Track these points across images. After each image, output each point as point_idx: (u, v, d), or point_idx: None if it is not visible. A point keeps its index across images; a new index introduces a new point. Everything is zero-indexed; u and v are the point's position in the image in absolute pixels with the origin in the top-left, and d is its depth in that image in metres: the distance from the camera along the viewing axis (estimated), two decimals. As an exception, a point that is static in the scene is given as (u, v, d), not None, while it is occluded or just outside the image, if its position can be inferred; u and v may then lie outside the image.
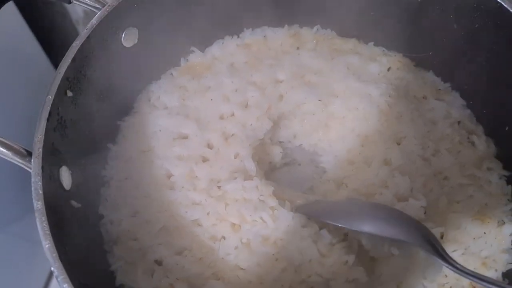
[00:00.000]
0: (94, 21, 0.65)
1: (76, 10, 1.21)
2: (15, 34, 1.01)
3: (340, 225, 0.66)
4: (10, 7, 0.98)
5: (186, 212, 0.70)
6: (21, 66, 1.01)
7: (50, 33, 1.29)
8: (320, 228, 0.67)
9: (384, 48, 0.89)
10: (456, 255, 0.67)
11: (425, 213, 0.70)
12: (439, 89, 0.84)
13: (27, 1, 1.13)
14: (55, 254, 0.49)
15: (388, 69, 0.85)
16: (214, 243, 0.68)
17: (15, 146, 0.55)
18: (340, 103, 0.80)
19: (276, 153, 0.82)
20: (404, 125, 0.78)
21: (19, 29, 1.03)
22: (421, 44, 0.84)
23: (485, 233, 0.69)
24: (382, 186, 0.73)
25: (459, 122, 0.80)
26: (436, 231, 0.66)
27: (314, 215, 0.69)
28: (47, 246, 0.50)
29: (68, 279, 0.48)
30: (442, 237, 0.68)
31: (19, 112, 0.94)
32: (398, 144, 0.77)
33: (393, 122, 0.78)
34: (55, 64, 1.14)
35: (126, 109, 0.81)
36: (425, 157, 0.76)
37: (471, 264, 0.67)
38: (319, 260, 0.65)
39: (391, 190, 0.71)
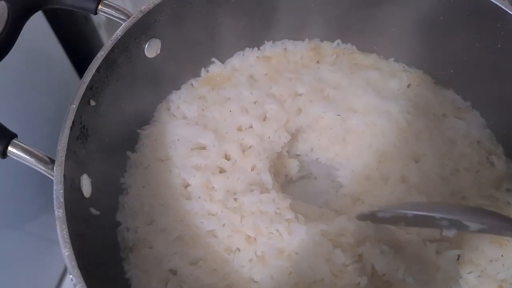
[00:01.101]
0: (119, 32, 0.66)
1: (99, 15, 1.23)
2: (38, 35, 1.03)
3: (423, 213, 0.61)
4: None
5: (202, 222, 0.71)
6: (44, 68, 1.02)
7: (72, 36, 1.31)
8: (334, 247, 0.67)
9: (404, 65, 0.88)
10: (471, 277, 0.67)
11: (441, 233, 0.69)
12: (459, 108, 0.84)
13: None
14: (74, 262, 0.50)
15: (408, 86, 0.85)
16: (229, 254, 0.69)
17: (38, 153, 0.56)
18: (358, 119, 0.80)
19: (293, 166, 0.82)
20: (423, 143, 0.78)
21: (42, 31, 1.04)
22: (442, 62, 0.84)
23: (502, 255, 0.68)
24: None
25: (478, 142, 0.79)
26: (452, 253, 0.66)
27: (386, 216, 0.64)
28: (66, 253, 0.50)
29: (85, 287, 0.49)
30: (458, 258, 0.68)
31: (40, 117, 0.96)
32: (416, 162, 0.77)
33: (412, 139, 0.78)
34: (76, 65, 1.16)
35: (146, 118, 0.82)
36: (443, 176, 0.75)
37: (487, 287, 0.66)
38: (331, 279, 0.65)
39: (408, 209, 0.71)
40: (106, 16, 0.67)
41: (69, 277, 1.07)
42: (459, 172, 0.76)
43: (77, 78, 1.14)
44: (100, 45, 1.22)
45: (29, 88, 0.93)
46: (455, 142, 0.79)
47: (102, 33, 1.24)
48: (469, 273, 0.67)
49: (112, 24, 1.19)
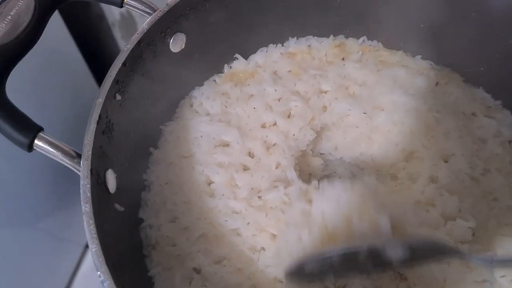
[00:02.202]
0: (145, 25, 0.65)
1: (113, 13, 1.22)
2: (54, 34, 1.02)
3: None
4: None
5: (226, 220, 0.69)
6: (58, 67, 1.02)
7: (86, 35, 1.31)
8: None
9: (432, 62, 0.86)
10: (505, 281, 0.64)
11: (473, 234, 0.67)
12: (489, 106, 0.81)
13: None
14: (102, 258, 0.49)
15: (436, 84, 0.83)
16: (254, 254, 0.67)
17: (64, 147, 0.55)
18: (385, 117, 0.78)
19: (317, 164, 0.80)
20: (452, 142, 0.76)
21: (57, 29, 1.04)
22: (471, 59, 0.82)
23: (537, 260, 0.66)
24: (429, 204, 0.70)
25: (510, 142, 0.77)
26: (486, 255, 0.63)
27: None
28: (94, 250, 0.49)
29: (113, 285, 0.48)
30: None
31: (55, 113, 0.95)
32: (446, 161, 0.74)
33: (440, 138, 0.76)
34: (90, 64, 1.15)
35: (169, 114, 0.81)
36: (473, 176, 0.73)
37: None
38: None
39: (438, 209, 0.69)
40: (132, 10, 0.66)
41: (79, 276, 1.08)
42: (490, 172, 0.74)
43: (91, 77, 1.13)
44: (114, 44, 1.22)
45: (44, 85, 0.92)
46: (486, 141, 0.77)
47: (116, 32, 1.23)
48: (502, 276, 0.65)
49: (126, 24, 1.19)
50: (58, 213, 0.98)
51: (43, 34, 0.89)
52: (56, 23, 1.04)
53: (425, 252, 0.56)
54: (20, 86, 0.84)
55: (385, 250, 0.52)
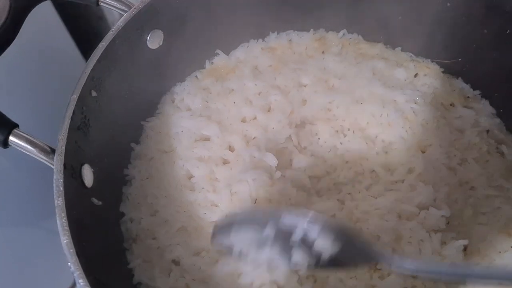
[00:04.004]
0: (120, 22, 0.66)
1: (112, 13, 1.23)
2: (53, 34, 1.04)
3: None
4: (49, 8, 1.01)
5: (205, 213, 0.70)
6: (56, 65, 1.04)
7: (86, 34, 1.33)
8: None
9: (411, 54, 0.87)
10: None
11: (448, 223, 0.68)
12: (468, 97, 0.82)
13: (65, 4, 1.16)
14: (72, 250, 0.50)
15: (415, 75, 0.84)
16: (232, 245, 0.68)
17: (39, 143, 0.57)
18: (364, 109, 0.79)
19: (298, 157, 0.81)
20: (430, 132, 0.76)
21: (57, 30, 1.06)
22: (449, 50, 0.82)
23: (511, 246, 0.66)
24: (406, 195, 0.71)
25: (487, 131, 0.78)
26: (459, 243, 0.64)
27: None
28: (65, 241, 0.51)
29: (83, 275, 0.49)
30: (465, 249, 0.66)
31: (48, 110, 0.97)
32: (423, 152, 0.75)
33: (418, 129, 0.77)
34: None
35: (150, 110, 0.82)
36: (450, 166, 0.74)
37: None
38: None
39: (413, 199, 0.70)
40: (106, 7, 0.68)
41: None
42: (467, 162, 0.74)
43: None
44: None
45: (38, 81, 0.94)
46: (463, 131, 0.77)
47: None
48: (477, 264, 0.65)
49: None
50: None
51: (43, 34, 0.91)
52: (55, 24, 1.06)
53: (351, 253, 0.52)
54: (23, 85, 0.86)
55: (317, 236, 0.51)
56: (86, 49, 1.21)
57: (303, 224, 0.51)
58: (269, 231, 0.52)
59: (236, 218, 0.56)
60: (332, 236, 0.50)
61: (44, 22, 0.97)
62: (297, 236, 0.51)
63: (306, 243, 0.51)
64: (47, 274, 1.00)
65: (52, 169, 0.56)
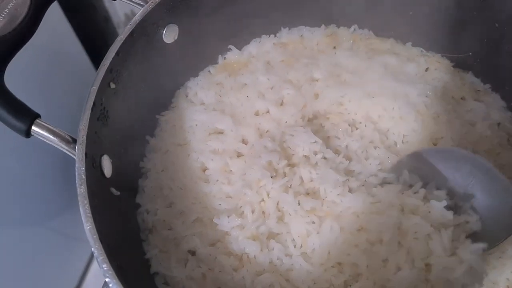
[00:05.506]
0: (137, 17, 0.67)
1: (118, 13, 1.25)
2: (59, 35, 1.06)
3: None
4: (56, 10, 1.03)
5: (220, 204, 0.71)
6: (65, 66, 1.05)
7: (92, 35, 1.34)
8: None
9: (422, 49, 0.88)
10: (492, 258, 0.66)
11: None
12: (479, 90, 0.83)
13: (72, 5, 1.18)
14: (96, 236, 0.51)
15: (426, 70, 0.84)
16: (247, 236, 0.69)
17: (61, 133, 0.58)
18: (376, 103, 0.80)
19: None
20: (441, 125, 0.77)
21: (64, 31, 1.07)
22: (460, 45, 0.83)
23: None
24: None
25: (498, 124, 0.78)
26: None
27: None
28: (88, 228, 0.52)
29: (107, 260, 0.50)
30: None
31: (61, 104, 0.98)
32: (435, 144, 0.76)
33: (430, 122, 0.77)
34: (95, 63, 1.19)
35: (164, 103, 0.83)
36: (462, 158, 0.75)
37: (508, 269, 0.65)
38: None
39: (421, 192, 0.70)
40: (125, 2, 0.69)
41: (90, 274, 1.10)
42: (479, 154, 0.75)
43: (94, 70, 1.16)
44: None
45: (50, 80, 0.95)
46: (475, 124, 0.78)
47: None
48: (489, 254, 0.66)
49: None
50: (68, 212, 1.01)
51: (52, 37, 0.92)
52: (63, 26, 1.07)
53: None
54: (28, 84, 0.87)
55: None
56: (92, 49, 1.23)
57: None
58: None
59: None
60: None
61: (50, 22, 0.99)
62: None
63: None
64: (52, 275, 1.01)
65: (73, 159, 0.57)
